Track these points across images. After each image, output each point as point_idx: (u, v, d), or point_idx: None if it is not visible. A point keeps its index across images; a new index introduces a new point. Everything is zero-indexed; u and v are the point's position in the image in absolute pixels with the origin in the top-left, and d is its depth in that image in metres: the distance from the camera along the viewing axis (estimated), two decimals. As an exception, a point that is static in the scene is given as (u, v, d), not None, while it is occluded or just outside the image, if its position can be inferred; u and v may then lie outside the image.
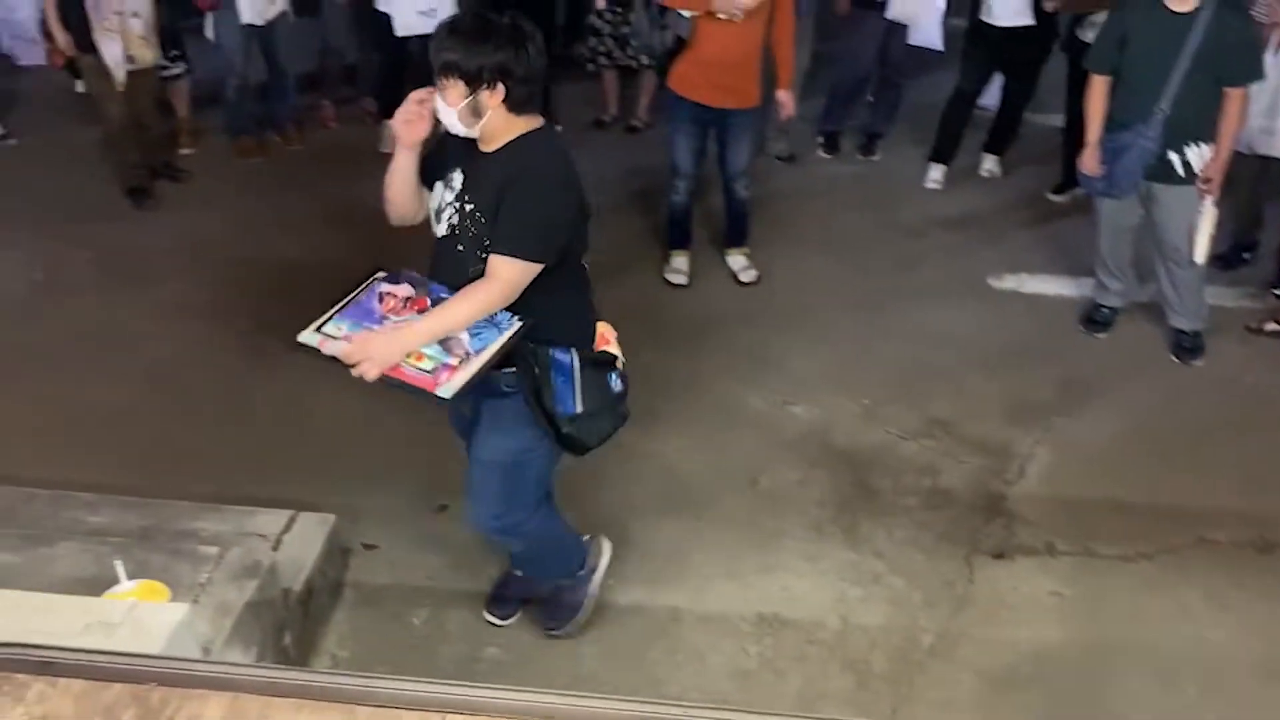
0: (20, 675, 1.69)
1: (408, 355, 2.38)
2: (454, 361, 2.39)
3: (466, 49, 2.36)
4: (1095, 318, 4.64)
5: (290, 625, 2.89)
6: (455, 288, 2.47)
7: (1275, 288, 4.78)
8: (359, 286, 2.54)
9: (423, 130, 2.51)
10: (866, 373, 4.31)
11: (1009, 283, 5.02)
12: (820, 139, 6.36)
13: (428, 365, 2.38)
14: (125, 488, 3.23)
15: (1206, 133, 4.05)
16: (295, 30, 5.83)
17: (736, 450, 3.87)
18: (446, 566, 3.33)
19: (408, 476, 3.66)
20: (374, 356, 2.36)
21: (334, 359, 2.38)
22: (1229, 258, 5.01)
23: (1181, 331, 4.45)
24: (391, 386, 2.38)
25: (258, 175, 5.81)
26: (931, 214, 5.68)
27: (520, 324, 2.46)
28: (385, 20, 5.70)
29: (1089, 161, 4.27)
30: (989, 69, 5.75)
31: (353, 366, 2.37)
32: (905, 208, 5.74)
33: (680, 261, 4.97)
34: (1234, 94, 3.99)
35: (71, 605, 2.34)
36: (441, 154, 2.58)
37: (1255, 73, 4.02)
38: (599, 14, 6.24)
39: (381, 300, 2.49)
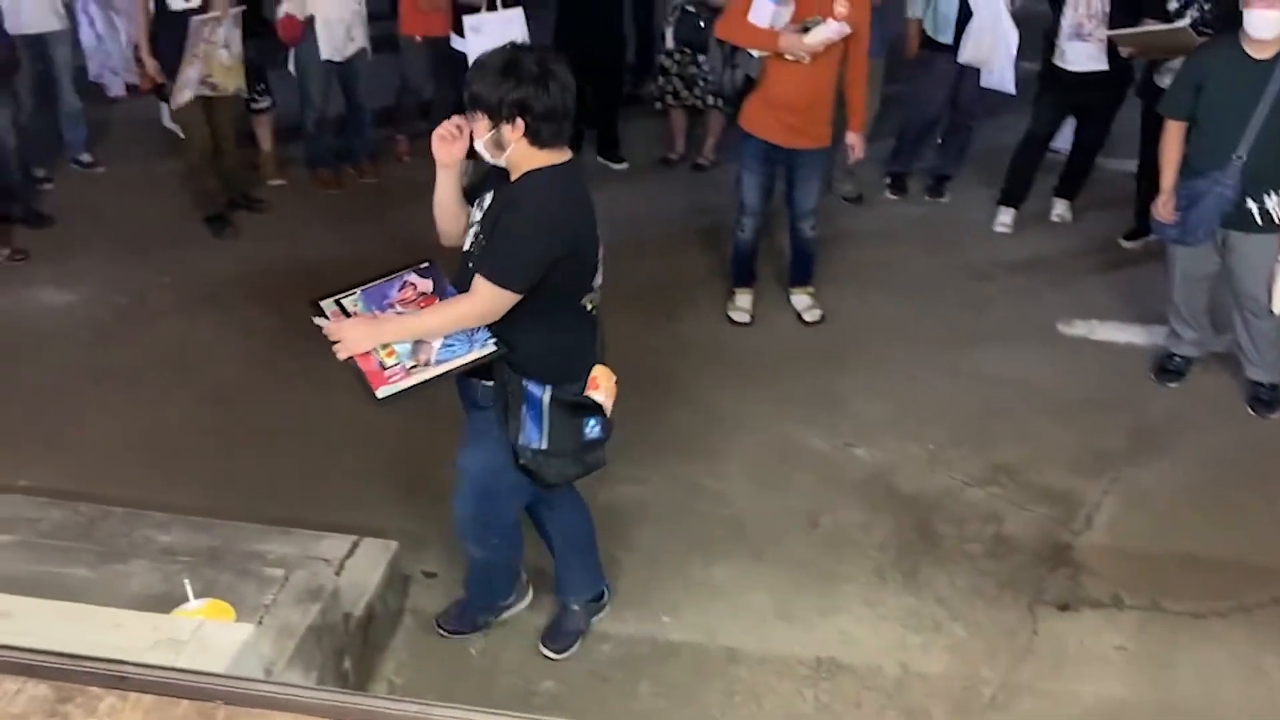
0: (93, 688, 1.74)
1: (381, 347, 2.50)
2: (412, 365, 2.49)
3: (490, 84, 2.47)
4: (1168, 367, 4.55)
5: (350, 650, 2.93)
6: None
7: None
8: (397, 270, 2.70)
9: (459, 150, 2.61)
10: (931, 416, 4.26)
11: (1079, 329, 4.94)
12: (888, 180, 6.34)
13: (392, 362, 2.49)
14: (195, 508, 3.32)
15: (1286, 181, 3.98)
16: (373, 67, 5.98)
17: (798, 491, 3.85)
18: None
19: (469, 506, 3.70)
20: (347, 339, 2.51)
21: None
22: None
23: (1258, 384, 4.34)
24: (352, 371, 2.50)
25: (333, 206, 5.94)
26: (1000, 257, 5.63)
27: (494, 349, 2.55)
28: (461, 59, 5.82)
29: (1163, 208, 4.21)
30: (1061, 113, 5.70)
31: (335, 342, 2.51)
32: (973, 251, 5.69)
33: (744, 299, 4.98)
34: (1315, 142, 3.92)
35: (142, 621, 2.40)
36: (486, 175, 2.70)
37: (1338, 121, 3.94)
38: (668, 54, 6.32)
39: (402, 289, 2.62)
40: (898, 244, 5.76)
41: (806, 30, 4.21)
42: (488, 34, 5.64)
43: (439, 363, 2.51)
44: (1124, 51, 5.15)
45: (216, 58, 5.25)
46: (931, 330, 4.90)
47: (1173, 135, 4.18)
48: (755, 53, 4.48)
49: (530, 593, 3.34)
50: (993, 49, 5.52)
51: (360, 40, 5.80)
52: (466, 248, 2.67)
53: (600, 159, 6.65)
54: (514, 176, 2.58)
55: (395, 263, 2.78)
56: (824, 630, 3.27)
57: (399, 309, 2.62)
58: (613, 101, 6.60)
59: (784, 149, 4.54)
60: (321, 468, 3.89)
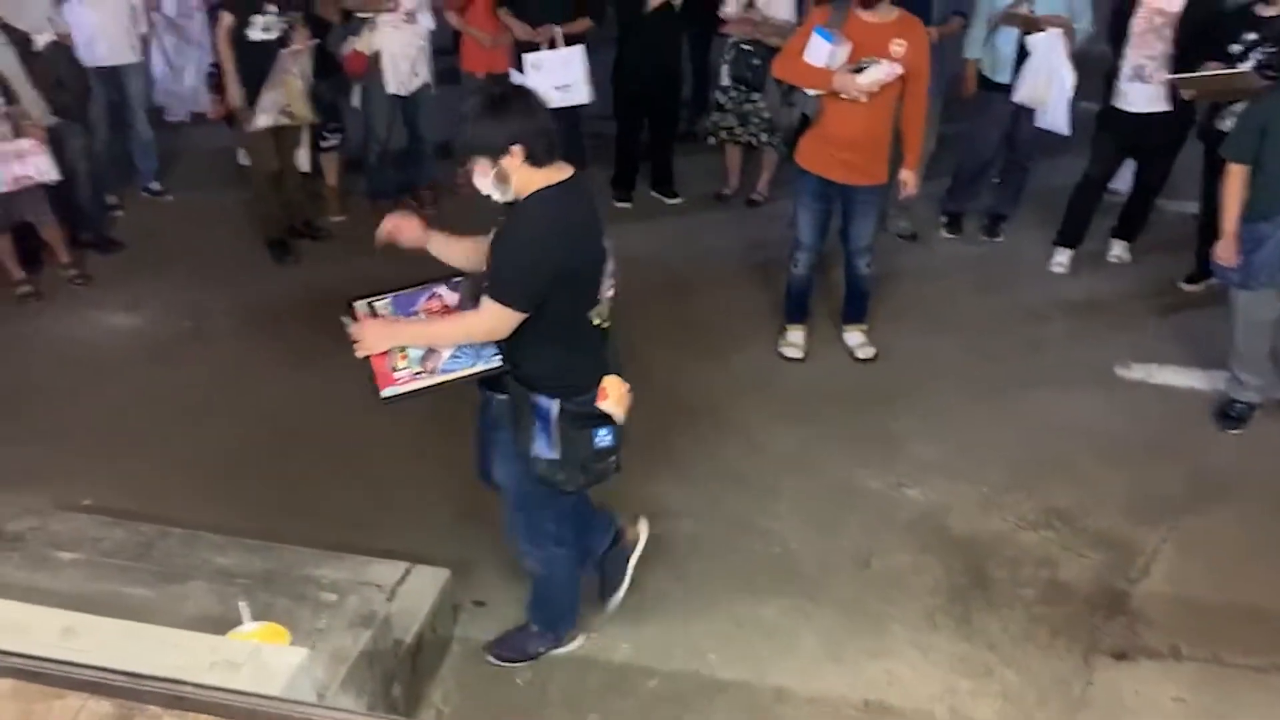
0: (153, 706, 1.78)
1: (397, 350, 2.69)
2: (418, 371, 2.66)
3: (484, 129, 2.60)
4: (1229, 413, 4.46)
5: (400, 676, 2.95)
6: None
7: None
8: (428, 280, 2.89)
9: (412, 228, 2.83)
10: (985, 458, 4.22)
11: (1137, 372, 4.87)
12: (943, 219, 6.32)
13: (403, 366, 2.68)
14: (252, 530, 3.38)
15: (1353, 226, 3.91)
16: (435, 100, 6.09)
17: (849, 530, 3.83)
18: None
19: (519, 536, 3.72)
20: (366, 339, 2.71)
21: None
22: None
23: (1323, 432, 4.25)
24: (367, 369, 2.69)
25: (391, 236, 6.04)
26: (1056, 298, 5.57)
27: (497, 364, 2.69)
28: (520, 95, 5.91)
29: (1225, 252, 4.15)
30: (1121, 154, 5.65)
31: (356, 341, 2.70)
32: (1029, 291, 5.64)
33: (796, 335, 4.98)
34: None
35: (199, 642, 2.44)
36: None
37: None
38: (723, 91, 6.37)
39: (430, 299, 2.79)
40: (953, 283, 5.73)
41: (860, 70, 4.23)
42: (548, 71, 5.75)
43: (444, 372, 2.68)
44: (1185, 94, 5.11)
45: (295, 87, 5.40)
46: (986, 371, 4.85)
47: (1235, 179, 4.13)
48: (812, 91, 4.51)
49: (582, 634, 3.34)
50: (1048, 89, 5.49)
51: (424, 75, 5.92)
52: (485, 269, 2.77)
53: (654, 193, 6.69)
54: (520, 200, 2.68)
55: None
56: (873, 672, 3.24)
57: (422, 317, 2.80)
58: (668, 137, 6.66)
59: (840, 185, 4.55)
60: (376, 494, 3.94)
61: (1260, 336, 4.32)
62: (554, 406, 2.72)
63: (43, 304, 5.25)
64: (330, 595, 2.87)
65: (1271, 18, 4.75)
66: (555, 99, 5.68)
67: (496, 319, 2.64)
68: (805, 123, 4.68)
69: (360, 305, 2.86)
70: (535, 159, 2.61)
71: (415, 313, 2.81)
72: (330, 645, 2.69)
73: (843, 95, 4.29)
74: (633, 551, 3.31)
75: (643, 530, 3.35)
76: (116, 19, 5.83)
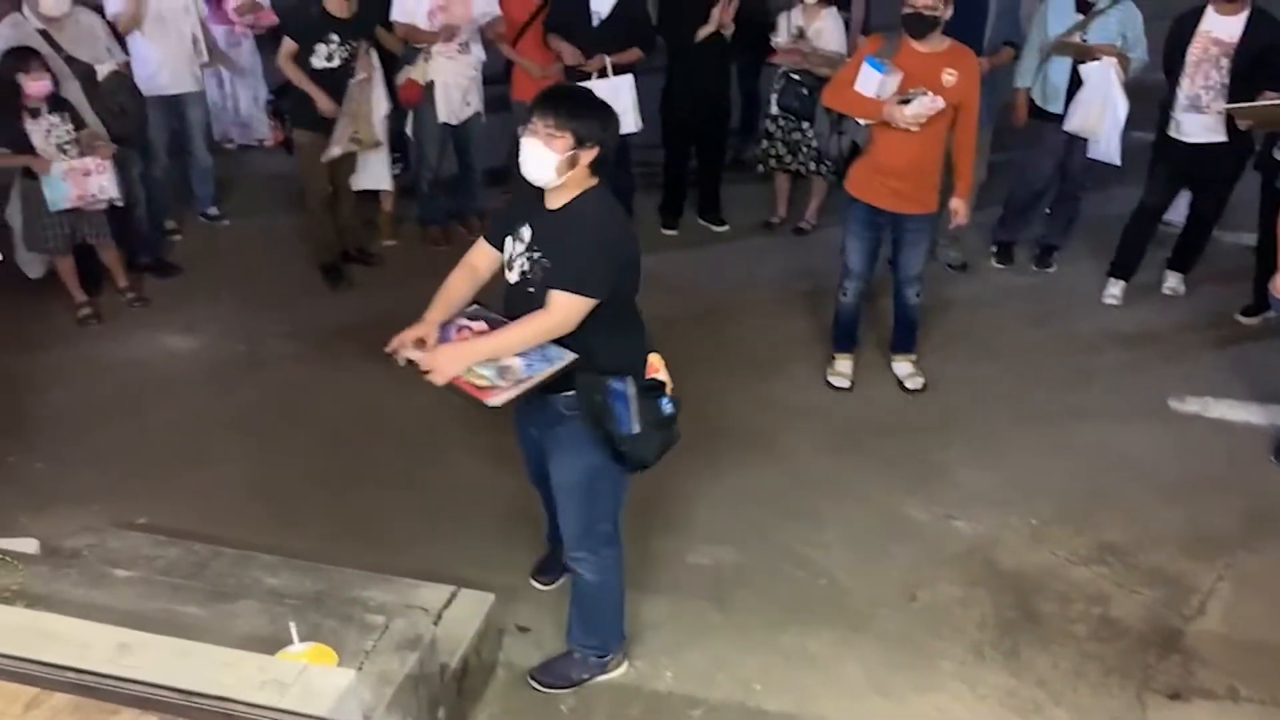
0: (205, 725, 1.80)
1: (469, 370, 2.73)
2: (505, 384, 2.73)
3: (583, 114, 2.72)
4: (1288, 448, 4.38)
5: (445, 701, 2.96)
6: None
7: None
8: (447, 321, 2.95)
9: (415, 337, 2.90)
10: (1035, 491, 4.17)
11: (1192, 406, 4.79)
12: (994, 248, 6.28)
13: (483, 383, 2.74)
14: (302, 551, 3.42)
15: None
16: (485, 128, 6.17)
17: (896, 562, 3.79)
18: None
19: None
20: (441, 366, 2.75)
21: (410, 363, 2.82)
22: None
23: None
24: (455, 393, 2.75)
25: (442, 262, 6.03)
26: (1109, 330, 5.50)
27: (571, 359, 2.77)
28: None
29: (1282, 285, 4.09)
30: (1176, 185, 5.58)
31: (426, 372, 2.74)
32: (1081, 322, 5.58)
33: (844, 365, 4.96)
34: None
35: (249, 661, 2.47)
36: (508, 213, 2.96)
37: None
38: (772, 119, 6.39)
39: (459, 331, 2.85)
40: (1003, 313, 5.68)
41: (907, 101, 4.22)
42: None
43: (529, 377, 2.73)
44: (1242, 124, 5.05)
45: (363, 114, 5.53)
46: (1037, 402, 4.80)
47: (1294, 210, 4.06)
48: (863, 120, 4.52)
49: (626, 661, 3.34)
50: (1101, 119, 5.45)
51: (475, 104, 6.00)
52: (516, 280, 2.88)
53: (701, 221, 6.72)
54: (557, 203, 2.80)
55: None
56: (919, 706, 3.19)
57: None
58: (716, 165, 6.69)
59: (889, 214, 4.54)
60: (425, 517, 3.97)
61: (1320, 371, 4.25)
62: (629, 385, 2.83)
63: (102, 326, 5.37)
64: (378, 617, 2.89)
65: (1331, 47, 4.70)
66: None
67: (570, 310, 2.74)
68: (855, 151, 4.69)
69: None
70: (595, 167, 2.77)
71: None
72: (377, 667, 2.71)
73: (893, 125, 4.30)
74: None
75: None
76: (177, 50, 5.98)
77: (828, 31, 6.12)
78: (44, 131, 5.01)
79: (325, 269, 5.89)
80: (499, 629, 3.37)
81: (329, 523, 3.90)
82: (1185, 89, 5.20)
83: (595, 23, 5.86)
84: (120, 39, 5.72)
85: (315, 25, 5.38)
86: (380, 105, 5.73)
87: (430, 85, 5.80)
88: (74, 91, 5.17)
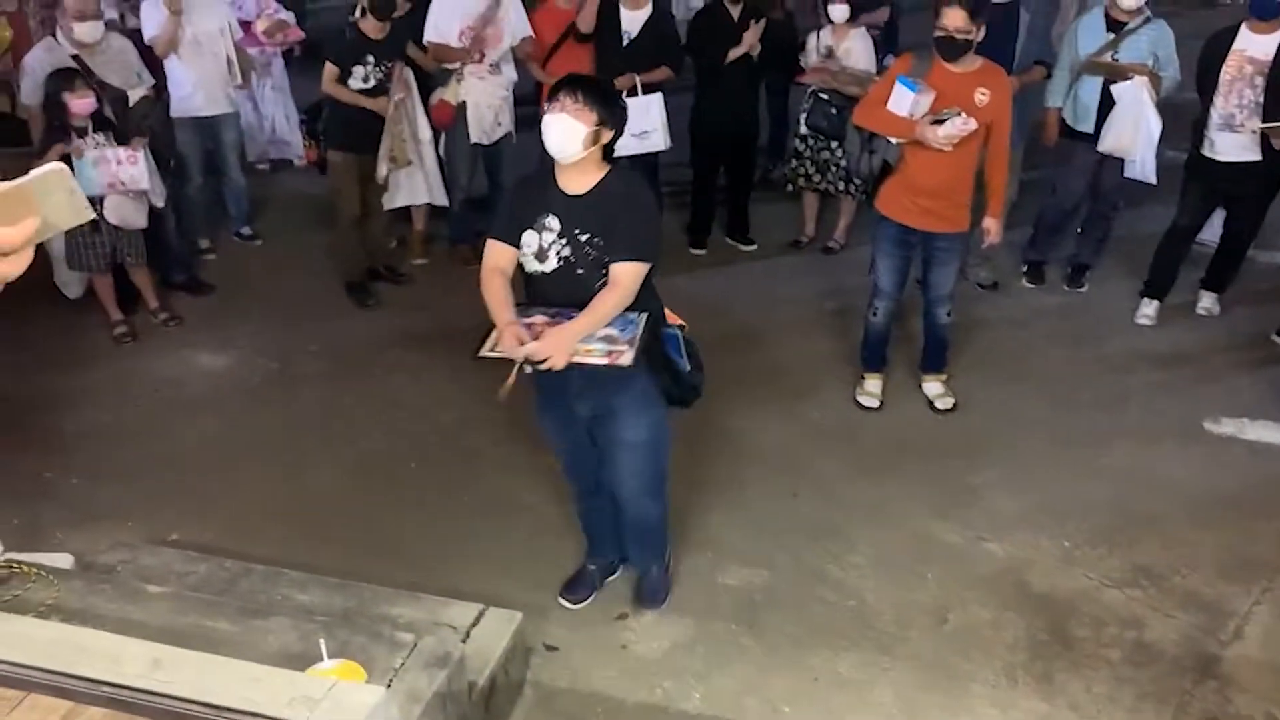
0: (236, 740, 1.81)
1: (579, 349, 2.93)
2: (621, 347, 2.96)
3: (604, 98, 3.00)
4: (1326, 471, 4.31)
5: (472, 718, 2.96)
6: (579, 303, 2.97)
7: None
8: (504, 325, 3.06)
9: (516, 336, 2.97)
10: (1068, 513, 4.12)
11: (1227, 427, 4.73)
12: (1025, 268, 6.24)
13: (597, 356, 2.95)
14: (332, 568, 3.44)
15: None
16: (515, 147, 6.21)
17: (927, 584, 3.76)
18: (623, 675, 3.34)
19: (592, 581, 3.73)
20: (558, 350, 2.89)
21: (509, 361, 2.93)
22: None
23: None
24: (580, 370, 2.95)
25: (471, 281, 6.07)
26: (1142, 351, 5.45)
27: (646, 316, 3.05)
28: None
29: (1321, 305, 4.03)
30: (1209, 204, 5.54)
31: (542, 362, 2.88)
32: (1113, 343, 5.53)
33: (873, 385, 4.94)
34: None
35: (279, 678, 2.48)
36: (517, 210, 3.11)
37: None
38: (801, 139, 6.40)
39: (530, 328, 2.98)
40: (1034, 333, 5.64)
41: (940, 122, 4.21)
42: (628, 119, 5.82)
43: (631, 339, 2.98)
44: (1276, 143, 5.00)
45: (398, 134, 5.62)
46: (1069, 423, 4.76)
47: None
48: (893, 139, 4.51)
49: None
50: (1134, 138, 5.42)
51: (507, 125, 6.05)
52: (554, 266, 3.03)
53: (730, 240, 6.73)
54: (580, 189, 3.01)
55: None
56: (951, 731, 3.16)
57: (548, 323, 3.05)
58: (745, 184, 6.70)
59: (920, 232, 4.53)
60: (455, 535, 3.98)
61: (1359, 392, 4.18)
62: (675, 330, 3.20)
63: (137, 344, 5.44)
64: (406, 635, 2.90)
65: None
66: (632, 146, 5.75)
67: (637, 277, 2.98)
68: (886, 169, 4.68)
69: (486, 353, 3.01)
70: (608, 151, 3.04)
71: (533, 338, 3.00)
72: (405, 685, 2.72)
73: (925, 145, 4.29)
74: None
75: None
76: (212, 73, 6.08)
77: (856, 51, 6.13)
78: (91, 149, 5.10)
79: (351, 286, 5.95)
80: (527, 648, 3.37)
81: (358, 539, 3.92)
82: (1219, 108, 5.16)
83: (625, 42, 5.90)
84: (152, 63, 5.82)
85: (353, 48, 5.49)
86: (423, 128, 5.80)
87: (462, 105, 5.86)
88: (108, 113, 5.26)
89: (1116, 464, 4.45)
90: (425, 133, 5.88)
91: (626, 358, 2.94)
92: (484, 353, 3.00)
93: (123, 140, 5.17)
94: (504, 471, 4.34)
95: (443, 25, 5.76)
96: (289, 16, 7.13)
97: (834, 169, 6.31)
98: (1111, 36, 5.47)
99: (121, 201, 5.15)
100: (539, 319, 3.02)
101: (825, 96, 6.17)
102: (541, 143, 2.99)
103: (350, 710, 2.37)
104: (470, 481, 4.30)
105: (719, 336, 4.98)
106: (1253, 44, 5.07)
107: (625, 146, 5.74)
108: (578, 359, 2.92)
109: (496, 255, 3.13)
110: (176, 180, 5.95)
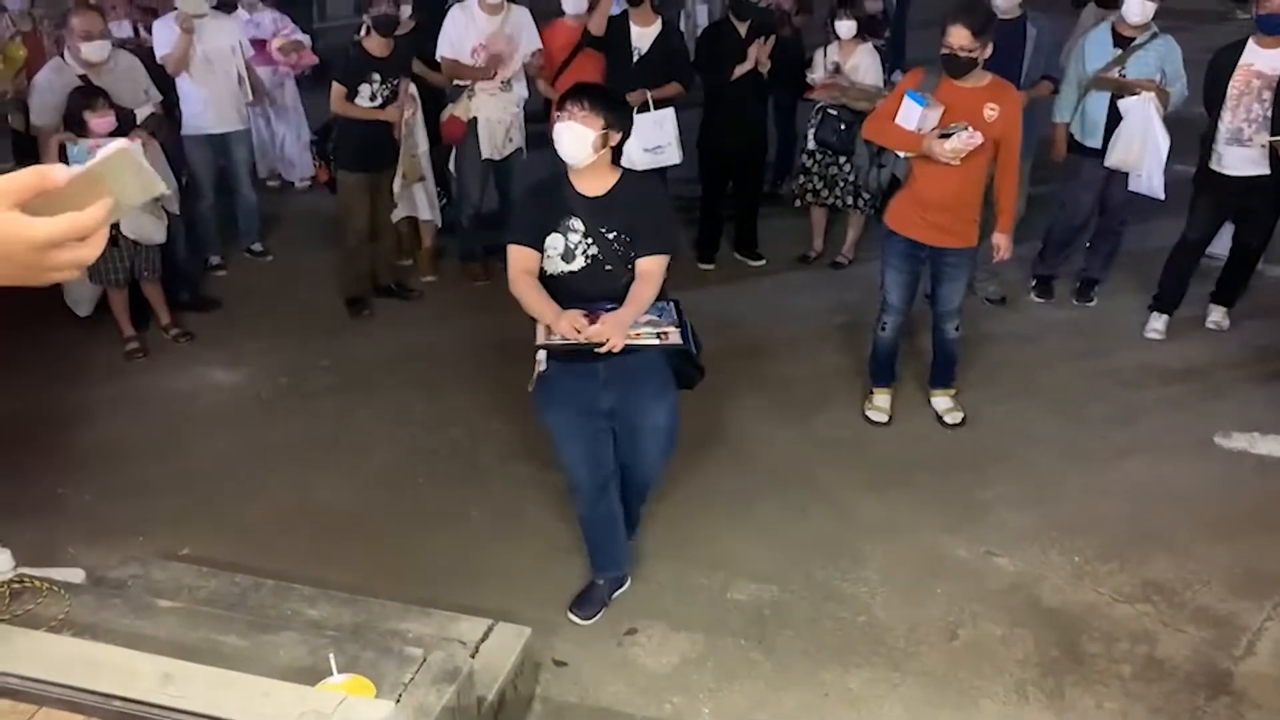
0: (247, 754, 1.82)
1: (631, 335, 3.15)
2: (665, 332, 3.23)
3: (609, 104, 3.18)
4: (1338, 486, 4.29)
5: (482, 734, 2.96)
6: (609, 297, 3.18)
7: None
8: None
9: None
10: (1078, 527, 4.11)
11: (1238, 442, 4.71)
12: (1033, 282, 6.24)
13: (649, 339, 3.21)
14: (342, 583, 3.45)
15: None
16: (525, 165, 6.24)
17: (937, 599, 3.75)
18: (632, 692, 3.34)
19: (602, 596, 3.73)
20: (616, 332, 3.07)
21: (571, 350, 3.13)
22: None
23: None
24: (634, 350, 3.16)
25: (481, 297, 6.17)
26: (1152, 365, 5.44)
27: (676, 301, 3.34)
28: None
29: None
30: (1218, 218, 5.53)
31: (599, 346, 3.06)
32: (1123, 357, 5.52)
33: (882, 399, 4.94)
34: None
35: (289, 692, 2.50)
36: (536, 216, 3.28)
37: None
38: (809, 154, 6.42)
39: (589, 315, 3.15)
40: (1043, 348, 5.63)
41: (947, 136, 4.22)
42: (641, 134, 5.85)
43: (672, 323, 3.25)
44: (1285, 157, 5.00)
45: (412, 150, 5.69)
46: (1078, 438, 4.75)
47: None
48: (902, 153, 4.52)
49: None
50: (1142, 153, 5.42)
51: (517, 141, 6.08)
52: (582, 264, 3.21)
53: (738, 255, 6.75)
54: (598, 190, 3.21)
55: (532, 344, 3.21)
56: (962, 747, 3.15)
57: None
58: (753, 199, 6.72)
59: (928, 247, 4.53)
60: (465, 550, 3.99)
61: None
62: (682, 314, 3.37)
63: (148, 360, 5.46)
64: (416, 650, 2.90)
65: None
66: (644, 161, 5.78)
67: (662, 270, 3.24)
68: (895, 184, 4.69)
69: (543, 342, 3.20)
70: (615, 154, 3.24)
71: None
72: (415, 699, 2.72)
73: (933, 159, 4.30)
74: None
75: None
76: (224, 90, 6.13)
77: (864, 66, 6.16)
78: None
79: (350, 302, 6.00)
80: (536, 663, 3.37)
81: (368, 554, 3.93)
82: (1227, 122, 5.17)
83: (635, 58, 5.93)
84: (164, 80, 5.87)
85: (357, 67, 5.52)
86: (422, 141, 5.85)
87: (473, 121, 5.89)
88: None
89: (1127, 479, 4.44)
90: (423, 145, 5.92)
91: (675, 337, 3.22)
92: (543, 340, 3.18)
93: None
94: (513, 487, 4.34)
95: (456, 42, 5.81)
96: (305, 39, 7.18)
97: (842, 184, 6.33)
98: (1119, 52, 5.49)
99: (139, 216, 5.18)
100: (578, 313, 3.17)
101: (834, 112, 6.19)
102: (551, 158, 3.07)
103: (360, 724, 2.37)
104: (480, 497, 4.31)
105: (728, 351, 4.99)
106: (1260, 58, 5.08)
107: (638, 162, 5.86)
108: (632, 341, 3.13)
109: (521, 259, 3.26)
110: (189, 197, 5.99)
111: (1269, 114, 5.03)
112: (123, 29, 6.47)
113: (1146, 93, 5.35)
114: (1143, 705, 3.28)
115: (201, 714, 2.26)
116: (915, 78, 4.40)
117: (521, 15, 5.92)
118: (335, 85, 5.56)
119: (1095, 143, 5.60)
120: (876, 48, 6.50)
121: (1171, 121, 5.42)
